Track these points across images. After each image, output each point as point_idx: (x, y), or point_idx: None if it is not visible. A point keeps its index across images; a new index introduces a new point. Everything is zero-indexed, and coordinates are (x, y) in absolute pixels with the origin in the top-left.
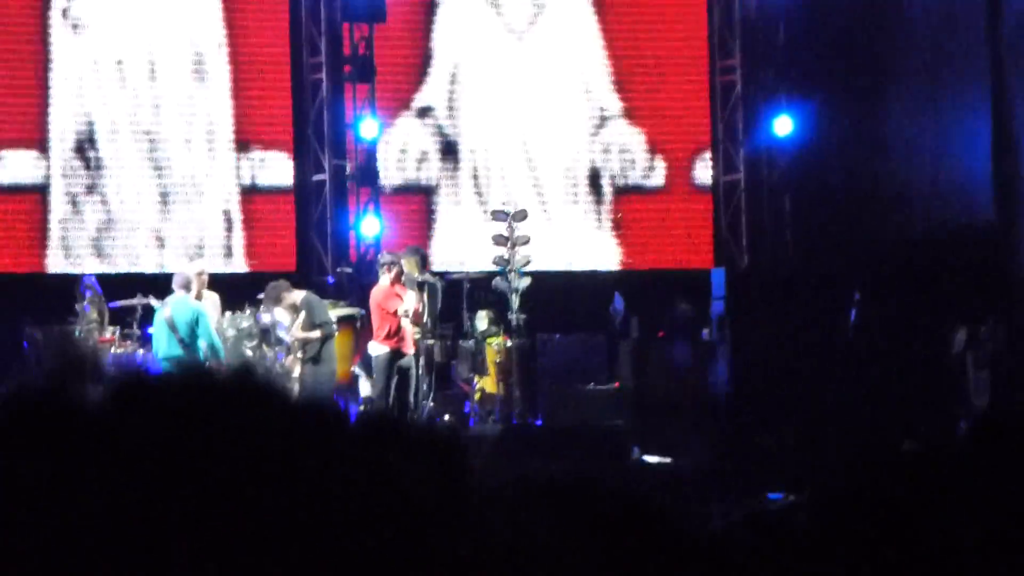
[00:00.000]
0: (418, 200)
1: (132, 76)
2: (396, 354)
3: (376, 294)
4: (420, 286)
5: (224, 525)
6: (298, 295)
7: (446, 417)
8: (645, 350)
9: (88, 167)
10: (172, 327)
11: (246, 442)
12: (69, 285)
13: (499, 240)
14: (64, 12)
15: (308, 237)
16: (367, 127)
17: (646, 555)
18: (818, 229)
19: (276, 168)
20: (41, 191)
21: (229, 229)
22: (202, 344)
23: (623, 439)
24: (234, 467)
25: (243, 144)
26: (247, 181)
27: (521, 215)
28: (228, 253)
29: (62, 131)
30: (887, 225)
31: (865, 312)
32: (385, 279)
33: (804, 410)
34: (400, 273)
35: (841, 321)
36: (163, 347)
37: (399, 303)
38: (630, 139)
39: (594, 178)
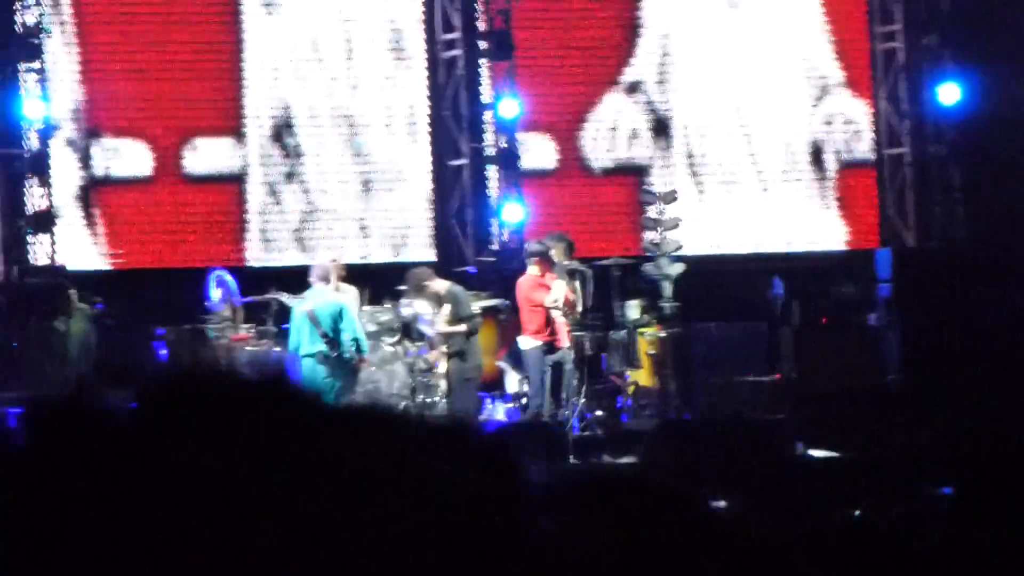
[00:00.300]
0: (629, 181)
1: (328, 57)
2: (548, 348)
3: (523, 285)
4: (570, 274)
5: (248, 532)
6: (442, 284)
7: (598, 413)
8: (808, 337)
9: (287, 154)
10: (314, 321)
11: (274, 446)
12: (201, 280)
13: (648, 224)
14: None
15: (447, 225)
16: (507, 107)
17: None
18: (991, 203)
19: None
20: (238, 180)
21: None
22: (346, 338)
23: (785, 433)
24: (262, 472)
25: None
26: None
27: (670, 196)
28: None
29: (258, 117)
30: None
31: None
32: (533, 269)
33: (980, 398)
34: (549, 263)
35: (1018, 302)
36: (305, 343)
37: (547, 294)
38: (854, 110)
39: (816, 153)
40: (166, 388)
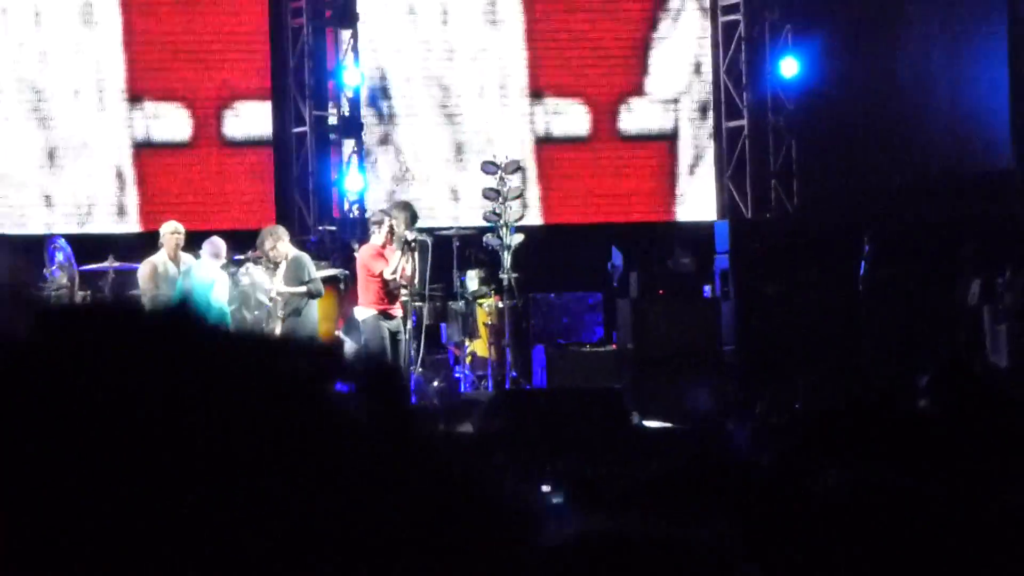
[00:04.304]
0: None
1: (15, 24)
2: (383, 316)
3: (364, 254)
4: (406, 244)
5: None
6: (290, 249)
7: (435, 383)
8: (645, 308)
9: None
10: (189, 292)
11: (169, 376)
12: (36, 247)
13: (489, 194)
14: None
15: (289, 193)
16: (350, 75)
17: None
18: (827, 176)
19: (173, 122)
20: None
21: (122, 187)
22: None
23: (621, 402)
24: (157, 401)
25: (136, 97)
26: (141, 136)
27: (513, 166)
28: (121, 212)
29: None
30: (900, 171)
31: (876, 263)
32: (375, 238)
33: (812, 369)
34: (391, 231)
35: (851, 273)
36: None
37: (384, 264)
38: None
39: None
40: (63, 318)
